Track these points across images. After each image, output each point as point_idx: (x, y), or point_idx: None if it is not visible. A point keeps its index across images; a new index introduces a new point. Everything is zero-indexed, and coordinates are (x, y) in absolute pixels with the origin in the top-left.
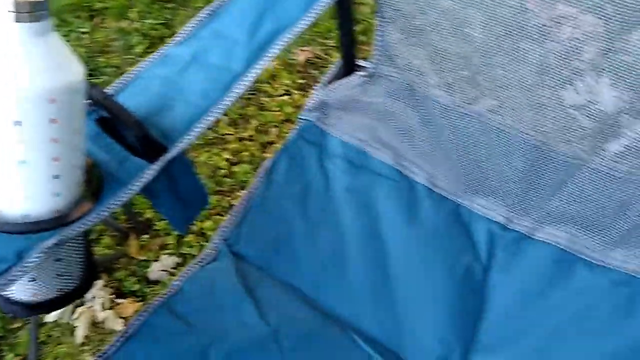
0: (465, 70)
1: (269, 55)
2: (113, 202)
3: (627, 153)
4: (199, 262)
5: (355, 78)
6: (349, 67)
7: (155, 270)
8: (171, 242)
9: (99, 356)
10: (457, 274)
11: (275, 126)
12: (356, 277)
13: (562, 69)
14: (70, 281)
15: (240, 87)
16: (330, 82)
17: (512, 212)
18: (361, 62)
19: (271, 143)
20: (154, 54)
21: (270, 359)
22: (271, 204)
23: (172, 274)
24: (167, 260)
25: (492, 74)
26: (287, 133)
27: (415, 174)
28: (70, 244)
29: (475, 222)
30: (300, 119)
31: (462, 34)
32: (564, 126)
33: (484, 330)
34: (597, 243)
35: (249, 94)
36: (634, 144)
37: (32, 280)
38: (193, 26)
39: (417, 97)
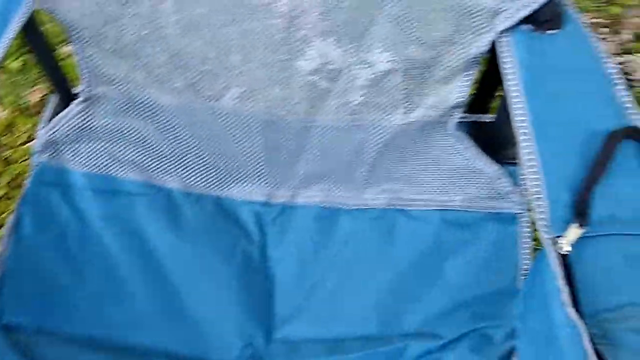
0: (205, 66)
1: None
2: None
3: (354, 104)
4: None
5: (75, 106)
6: (65, 98)
7: None
8: None
9: None
10: (237, 263)
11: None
12: (139, 301)
13: (291, 41)
14: None
15: None
16: (51, 118)
17: (270, 187)
18: (76, 89)
19: None
20: None
21: None
22: (28, 261)
23: None
24: None
25: (229, 63)
26: None
27: (169, 182)
28: None
29: (240, 209)
30: (33, 164)
31: (183, 33)
32: (308, 94)
33: (278, 305)
34: (349, 190)
35: None
36: (358, 94)
37: None
38: None
39: (145, 108)
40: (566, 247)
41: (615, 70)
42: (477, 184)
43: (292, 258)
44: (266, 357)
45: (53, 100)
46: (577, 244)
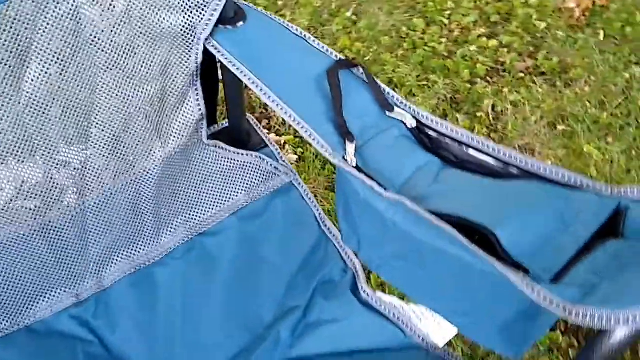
0: None
1: None
2: None
3: (89, 180)
4: None
5: None
6: None
7: None
8: None
9: None
10: None
11: None
12: None
13: None
14: None
15: None
16: None
17: (74, 287)
18: None
19: None
20: None
21: None
22: None
23: None
24: None
25: None
26: None
27: None
28: None
29: (56, 323)
30: None
31: None
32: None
33: None
34: (146, 245)
35: None
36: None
37: None
38: None
39: None
40: (353, 160)
41: (301, 31)
42: (249, 176)
43: (133, 333)
44: None
45: None
46: (356, 155)
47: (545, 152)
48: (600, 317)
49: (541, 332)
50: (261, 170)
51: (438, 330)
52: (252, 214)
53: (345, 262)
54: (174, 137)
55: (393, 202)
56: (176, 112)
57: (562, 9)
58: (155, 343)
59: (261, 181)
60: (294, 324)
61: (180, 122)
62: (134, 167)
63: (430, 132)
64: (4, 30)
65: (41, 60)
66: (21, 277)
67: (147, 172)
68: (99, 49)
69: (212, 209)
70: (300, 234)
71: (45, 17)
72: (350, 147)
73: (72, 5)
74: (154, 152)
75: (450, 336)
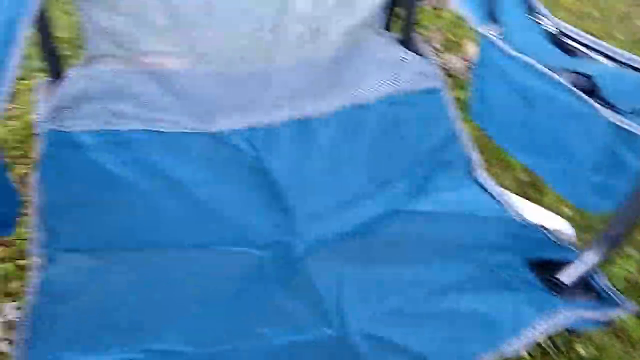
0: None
1: None
2: None
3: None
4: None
5: (73, 72)
6: (57, 77)
7: None
8: None
9: None
10: (243, 174)
11: None
12: (170, 211)
13: None
14: None
15: None
16: (48, 91)
17: (248, 118)
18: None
19: None
20: None
21: None
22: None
23: None
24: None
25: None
26: None
27: (167, 127)
28: None
29: (231, 137)
30: (39, 133)
31: None
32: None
33: (290, 198)
34: (314, 102)
35: None
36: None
37: None
38: None
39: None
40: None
41: None
42: (407, 71)
43: (287, 162)
44: (298, 228)
45: (41, 83)
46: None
47: None
48: None
49: (623, 188)
50: (418, 71)
51: (535, 215)
52: (400, 100)
53: (466, 152)
54: (357, 14)
55: (514, 58)
56: None
57: None
58: (300, 176)
59: (415, 80)
60: (411, 185)
61: (362, 4)
62: (319, 37)
63: (566, 40)
64: None
65: None
66: (217, 98)
67: (329, 44)
68: None
69: (370, 89)
70: (434, 126)
71: None
72: (495, 28)
73: None
74: (340, 22)
75: (543, 222)
